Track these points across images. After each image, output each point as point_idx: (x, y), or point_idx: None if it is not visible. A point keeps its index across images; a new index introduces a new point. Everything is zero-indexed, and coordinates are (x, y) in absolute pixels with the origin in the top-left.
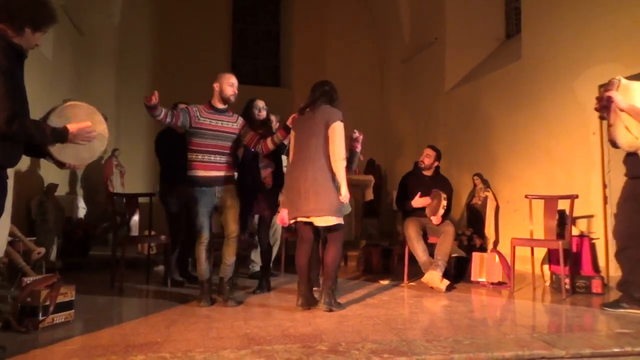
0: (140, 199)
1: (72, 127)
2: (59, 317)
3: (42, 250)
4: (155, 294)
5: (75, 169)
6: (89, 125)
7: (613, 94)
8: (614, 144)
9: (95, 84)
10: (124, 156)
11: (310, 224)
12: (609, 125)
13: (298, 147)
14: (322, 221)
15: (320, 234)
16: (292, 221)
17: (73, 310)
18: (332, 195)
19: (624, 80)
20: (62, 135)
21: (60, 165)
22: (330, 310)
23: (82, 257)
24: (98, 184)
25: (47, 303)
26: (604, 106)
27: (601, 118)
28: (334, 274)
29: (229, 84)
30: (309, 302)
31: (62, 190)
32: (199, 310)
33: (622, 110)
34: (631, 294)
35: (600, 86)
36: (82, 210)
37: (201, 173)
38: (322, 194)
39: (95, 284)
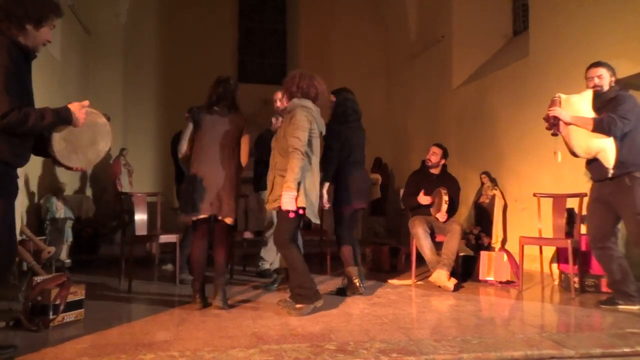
0: (149, 198)
1: (73, 105)
2: (69, 316)
3: (52, 249)
4: (164, 293)
5: (83, 170)
6: (87, 103)
7: (556, 111)
8: (574, 154)
9: (103, 83)
10: (132, 155)
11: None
12: (564, 140)
13: None
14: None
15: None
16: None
17: (83, 309)
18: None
19: (563, 96)
20: (65, 114)
21: (68, 168)
22: (225, 308)
23: (91, 255)
24: (106, 183)
25: (58, 302)
26: (553, 124)
27: (553, 135)
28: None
29: None
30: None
31: (71, 190)
32: (207, 309)
33: (568, 123)
34: (624, 291)
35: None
36: (91, 209)
37: None
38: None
39: (104, 282)
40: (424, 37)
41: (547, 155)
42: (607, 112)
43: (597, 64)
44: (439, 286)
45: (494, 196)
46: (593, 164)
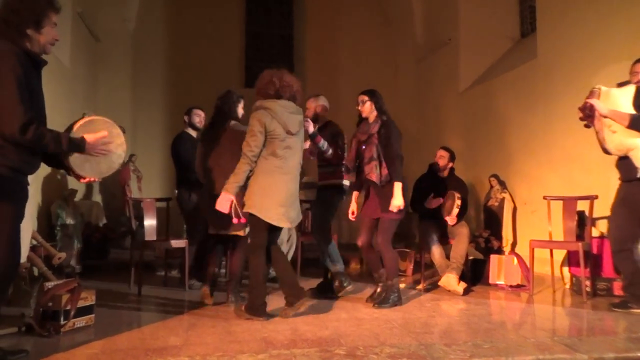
0: (158, 204)
1: (89, 137)
2: (80, 322)
3: (63, 255)
4: (172, 298)
5: (93, 181)
6: (105, 135)
7: (594, 101)
8: (605, 151)
9: (111, 89)
10: (140, 161)
11: None
12: (597, 133)
13: None
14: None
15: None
16: None
17: (93, 315)
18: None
19: (604, 88)
20: (79, 146)
21: (80, 178)
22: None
23: (100, 261)
24: (116, 189)
25: (68, 307)
26: (588, 115)
27: (586, 126)
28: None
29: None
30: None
31: (80, 195)
32: (216, 314)
33: (604, 116)
34: (638, 296)
35: (618, 84)
36: (101, 215)
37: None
38: None
39: (114, 288)
40: (430, 40)
41: (557, 156)
42: None
43: None
44: (449, 290)
45: (503, 199)
46: (623, 162)
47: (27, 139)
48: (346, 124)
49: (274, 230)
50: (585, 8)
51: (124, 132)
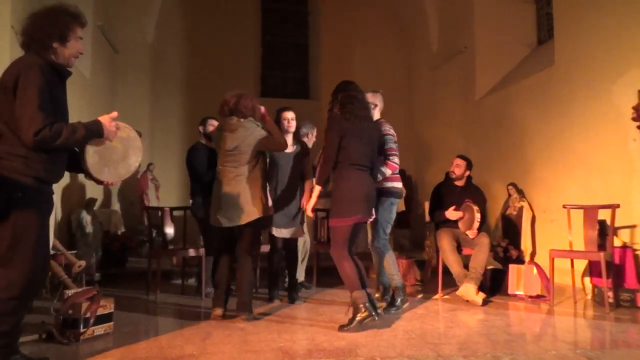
0: (175, 212)
1: (102, 117)
2: (99, 329)
3: (83, 263)
4: (189, 306)
5: (113, 185)
6: (115, 115)
7: None
8: None
9: (130, 100)
10: (158, 170)
11: None
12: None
13: None
14: None
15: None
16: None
17: (112, 323)
18: None
19: None
20: (95, 128)
21: (99, 182)
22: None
23: (119, 269)
24: (134, 197)
25: (88, 315)
26: None
27: (639, 127)
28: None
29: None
30: None
31: (100, 204)
32: (233, 323)
33: None
34: None
35: (639, 91)
36: (120, 223)
37: (398, 185)
38: None
39: (132, 296)
40: (446, 48)
41: (576, 164)
42: None
43: None
44: (467, 300)
45: (521, 208)
46: None
47: (46, 137)
48: None
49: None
50: (603, 14)
51: (140, 136)
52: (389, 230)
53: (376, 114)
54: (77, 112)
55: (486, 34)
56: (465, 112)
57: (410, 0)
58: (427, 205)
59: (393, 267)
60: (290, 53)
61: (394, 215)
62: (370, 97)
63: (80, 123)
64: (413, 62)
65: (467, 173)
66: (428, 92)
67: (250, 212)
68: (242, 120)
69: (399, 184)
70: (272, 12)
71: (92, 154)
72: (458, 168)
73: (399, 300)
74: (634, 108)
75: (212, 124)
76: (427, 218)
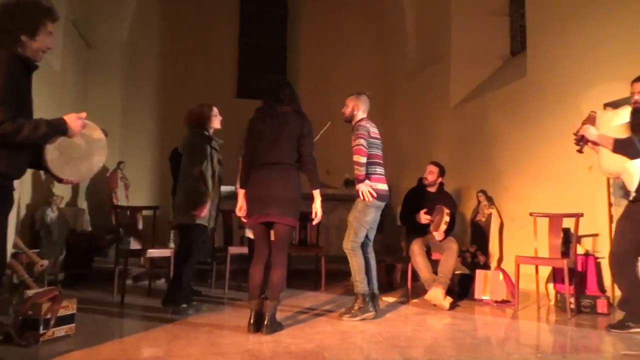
0: (145, 212)
1: (67, 116)
2: (60, 331)
3: (46, 262)
4: (157, 308)
5: (74, 184)
6: (83, 115)
7: (583, 128)
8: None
9: (102, 97)
10: (129, 169)
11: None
12: (578, 152)
13: None
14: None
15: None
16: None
17: (74, 324)
18: None
19: (599, 112)
20: (60, 126)
21: (59, 180)
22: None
23: (84, 269)
24: (103, 196)
25: (49, 316)
26: (579, 140)
27: (578, 152)
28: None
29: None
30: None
31: (66, 202)
32: (200, 325)
33: (593, 142)
34: (636, 313)
35: (606, 104)
36: (86, 222)
37: (384, 187)
38: None
39: (97, 297)
40: (422, 56)
41: (544, 174)
42: None
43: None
44: (435, 304)
45: (490, 215)
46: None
47: (6, 132)
48: (339, 135)
49: None
50: (574, 29)
51: (106, 135)
52: (361, 233)
53: (358, 116)
54: (45, 106)
55: (462, 44)
56: (439, 120)
57: (390, 8)
58: (399, 210)
59: (358, 273)
60: (268, 55)
61: (369, 218)
62: (350, 100)
63: (43, 119)
64: (390, 69)
65: (440, 179)
66: (404, 99)
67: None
68: None
69: (382, 186)
70: (250, 13)
71: (52, 150)
72: (431, 174)
73: (358, 308)
74: (574, 134)
75: None
76: (398, 222)
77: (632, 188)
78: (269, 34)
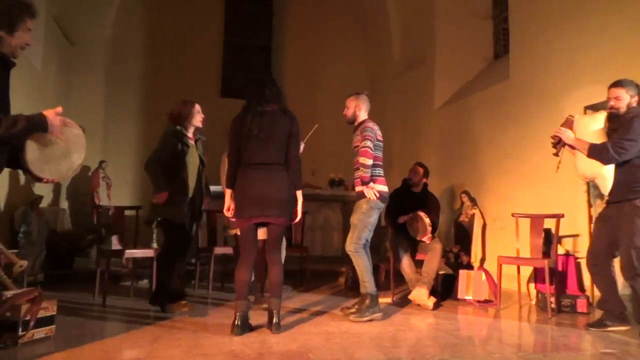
0: (127, 212)
1: (48, 112)
2: (39, 333)
3: (25, 263)
4: (139, 309)
5: (54, 182)
6: (60, 110)
7: (561, 131)
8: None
9: (84, 95)
10: (111, 168)
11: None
12: (554, 154)
13: None
14: None
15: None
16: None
17: (54, 326)
18: None
19: (577, 116)
20: (40, 122)
21: (38, 179)
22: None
23: (65, 270)
24: (84, 195)
25: (28, 318)
26: (558, 143)
27: (554, 154)
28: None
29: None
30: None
31: (47, 202)
32: (183, 326)
33: (570, 145)
34: (613, 312)
35: (586, 107)
36: (67, 222)
37: (385, 188)
38: None
39: (78, 298)
40: (407, 58)
41: (526, 175)
42: (617, 135)
43: (616, 84)
44: (419, 304)
45: (473, 215)
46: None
47: None
48: (324, 134)
49: None
50: (557, 33)
51: (84, 132)
52: (365, 235)
53: (361, 116)
54: (25, 104)
55: (446, 46)
56: (424, 121)
57: (375, 10)
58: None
59: (365, 273)
60: (253, 55)
61: (372, 220)
62: (350, 101)
63: (22, 115)
64: (376, 70)
65: (424, 180)
66: (389, 100)
67: None
68: None
69: (383, 187)
70: (236, 12)
71: (31, 150)
72: (416, 175)
73: (366, 308)
74: (551, 137)
75: None
76: (384, 222)
77: (606, 192)
78: (254, 33)
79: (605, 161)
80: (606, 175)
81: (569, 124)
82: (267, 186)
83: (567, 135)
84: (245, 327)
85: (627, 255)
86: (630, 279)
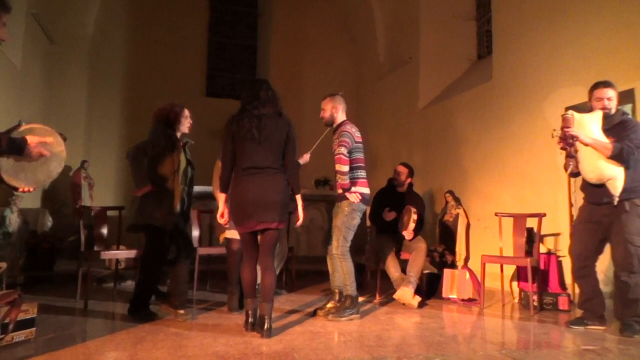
0: (109, 212)
1: (31, 138)
2: (19, 336)
3: (4, 265)
4: (122, 311)
5: (30, 191)
6: (50, 142)
7: (575, 131)
8: (574, 175)
9: (66, 94)
10: (93, 168)
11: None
12: (566, 158)
13: None
14: None
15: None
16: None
17: (34, 328)
18: None
19: (576, 115)
20: (19, 146)
21: (13, 188)
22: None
23: (46, 272)
24: (66, 196)
25: (7, 321)
26: (570, 144)
27: (569, 156)
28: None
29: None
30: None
31: (27, 202)
32: (167, 328)
33: (587, 145)
34: (594, 312)
35: (567, 108)
36: (48, 223)
37: (367, 190)
38: None
39: (59, 300)
40: (392, 58)
41: (509, 175)
42: (614, 137)
43: (607, 84)
44: (404, 303)
45: (457, 215)
46: (595, 188)
47: None
48: (309, 136)
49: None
50: (538, 35)
51: (64, 140)
52: (349, 237)
53: (339, 117)
54: (5, 103)
55: (430, 47)
56: (408, 121)
57: (360, 11)
58: (368, 210)
59: (349, 277)
60: (238, 54)
61: (356, 222)
62: (326, 103)
63: (5, 135)
64: (360, 71)
65: (409, 180)
66: (374, 101)
67: None
68: None
69: (365, 190)
70: (221, 12)
71: (6, 159)
72: (400, 175)
73: (345, 308)
74: (560, 137)
75: None
76: (368, 223)
77: (617, 193)
78: (239, 33)
79: (630, 163)
80: (621, 176)
81: (569, 123)
82: (262, 191)
83: (584, 135)
84: (256, 324)
85: (624, 253)
86: (624, 275)
